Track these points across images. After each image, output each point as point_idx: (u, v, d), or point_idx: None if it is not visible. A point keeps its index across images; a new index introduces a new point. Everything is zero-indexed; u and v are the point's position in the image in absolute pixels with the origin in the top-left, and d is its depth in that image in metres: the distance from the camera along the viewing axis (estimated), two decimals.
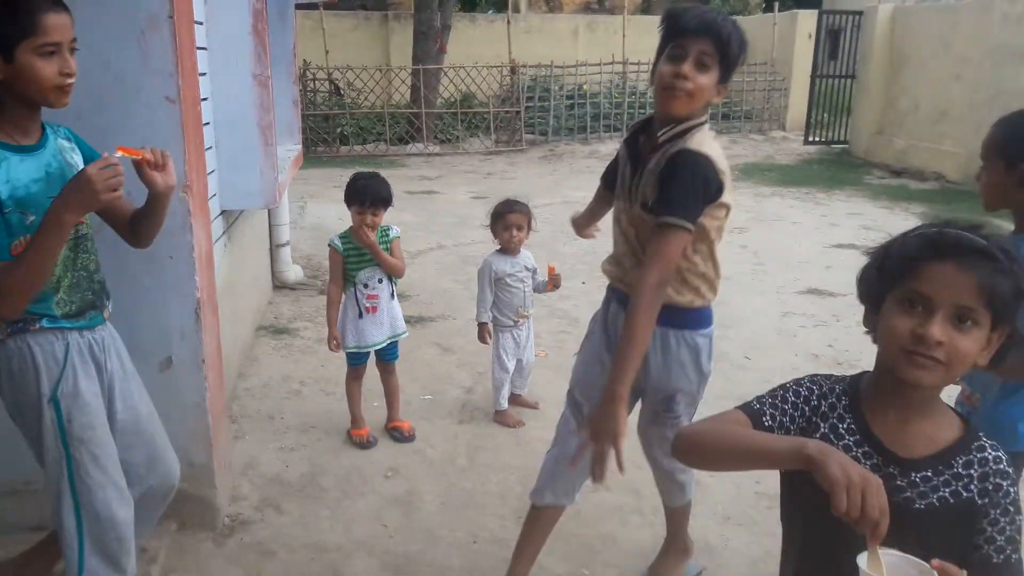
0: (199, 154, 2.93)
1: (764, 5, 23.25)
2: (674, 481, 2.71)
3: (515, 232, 3.86)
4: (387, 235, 3.65)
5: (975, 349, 1.26)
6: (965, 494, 1.30)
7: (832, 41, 15.67)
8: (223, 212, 4.16)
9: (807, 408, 1.42)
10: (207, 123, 3.52)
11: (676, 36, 2.12)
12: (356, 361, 3.78)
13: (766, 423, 1.42)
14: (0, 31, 1.87)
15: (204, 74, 3.66)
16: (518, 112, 14.61)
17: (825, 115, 14.54)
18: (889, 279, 1.31)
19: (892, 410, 1.34)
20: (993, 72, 10.45)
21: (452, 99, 15.23)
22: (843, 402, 1.40)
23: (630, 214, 2.32)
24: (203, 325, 2.87)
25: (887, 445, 1.33)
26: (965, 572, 1.18)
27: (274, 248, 6.00)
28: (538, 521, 2.60)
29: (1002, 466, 1.32)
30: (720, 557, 2.97)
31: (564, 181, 11.36)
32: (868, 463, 1.33)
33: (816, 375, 1.46)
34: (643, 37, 17.68)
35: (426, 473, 3.52)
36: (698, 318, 2.40)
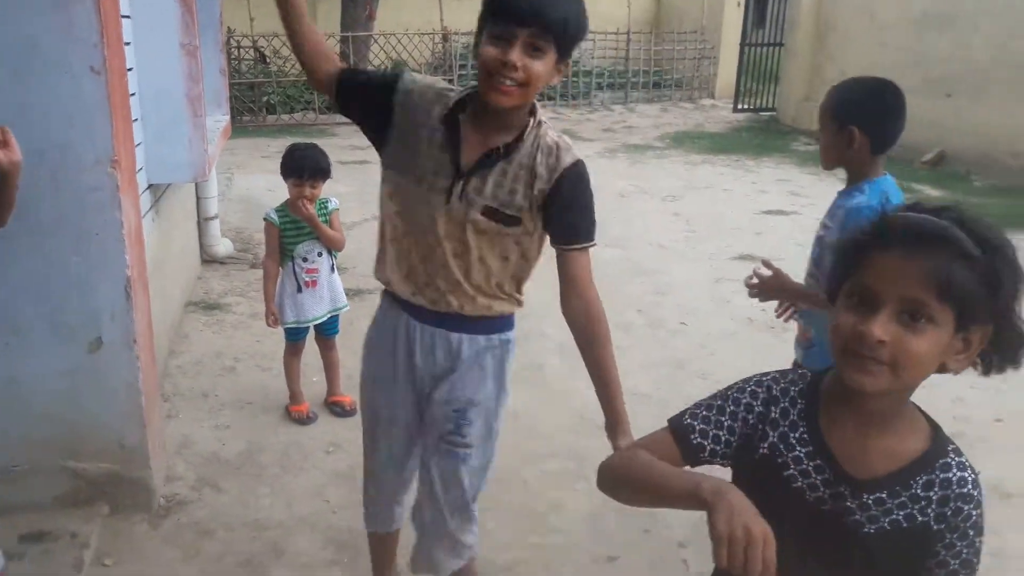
0: (126, 127, 2.83)
1: None
2: (456, 542, 2.24)
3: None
4: (326, 207, 3.58)
5: (929, 349, 1.08)
6: (920, 518, 1.17)
7: (759, 9, 15.90)
8: (150, 186, 4.02)
9: (751, 416, 1.26)
10: (133, 94, 3.37)
11: (499, 14, 1.77)
12: (295, 336, 3.72)
13: (694, 441, 1.27)
14: None
15: (129, 44, 3.52)
16: (451, 80, 14.44)
17: (753, 83, 14.77)
18: (841, 271, 1.17)
19: (851, 421, 1.19)
20: (916, 39, 10.75)
21: (382, 67, 14.95)
22: (798, 407, 1.24)
23: (461, 218, 1.92)
24: (134, 304, 2.79)
25: (841, 462, 1.19)
26: None
27: (202, 222, 5.83)
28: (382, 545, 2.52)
29: (966, 489, 1.17)
30: (663, 520, 3.04)
31: None
32: (819, 478, 1.21)
33: (768, 375, 1.30)
34: None
35: None
36: (506, 322, 2.12)
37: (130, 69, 3.45)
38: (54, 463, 2.85)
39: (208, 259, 5.87)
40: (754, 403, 1.26)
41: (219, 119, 5.63)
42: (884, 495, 1.17)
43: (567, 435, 3.61)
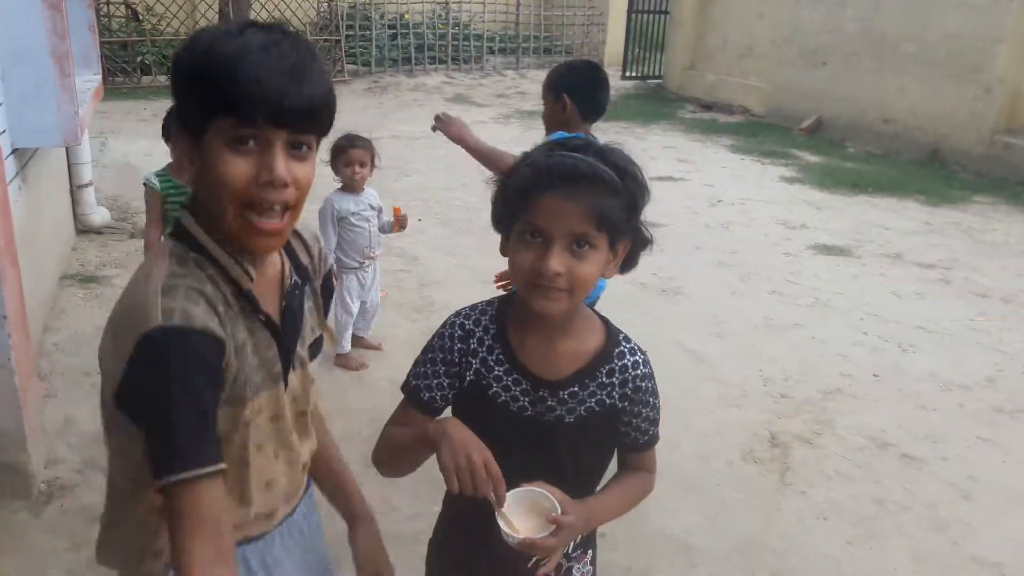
0: None
1: None
2: None
3: (358, 168, 3.72)
4: None
5: (594, 270, 1.28)
6: (609, 401, 1.38)
7: None
8: (15, 150, 3.73)
9: (454, 354, 1.40)
10: None
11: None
12: None
13: (425, 397, 1.41)
14: None
15: None
16: (338, 41, 14.01)
17: (641, 51, 14.98)
18: (511, 211, 1.30)
19: (535, 336, 1.36)
20: (792, 11, 11.13)
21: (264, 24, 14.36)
22: (491, 333, 1.39)
23: None
24: (3, 278, 2.59)
25: (534, 371, 1.36)
26: (565, 510, 1.27)
27: (75, 189, 5.48)
28: None
29: (640, 370, 1.39)
30: None
31: (391, 114, 11.08)
32: (518, 389, 1.37)
33: (459, 313, 1.43)
34: None
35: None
36: None
37: None
38: None
39: (83, 229, 5.53)
40: (454, 344, 1.40)
41: (89, 79, 5.28)
42: (576, 389, 1.36)
43: None
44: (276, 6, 14.11)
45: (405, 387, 1.44)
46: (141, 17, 13.49)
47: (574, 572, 1.52)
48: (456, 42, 15.17)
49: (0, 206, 2.62)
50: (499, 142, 3.42)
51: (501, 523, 1.24)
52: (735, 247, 6.08)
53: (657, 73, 14.76)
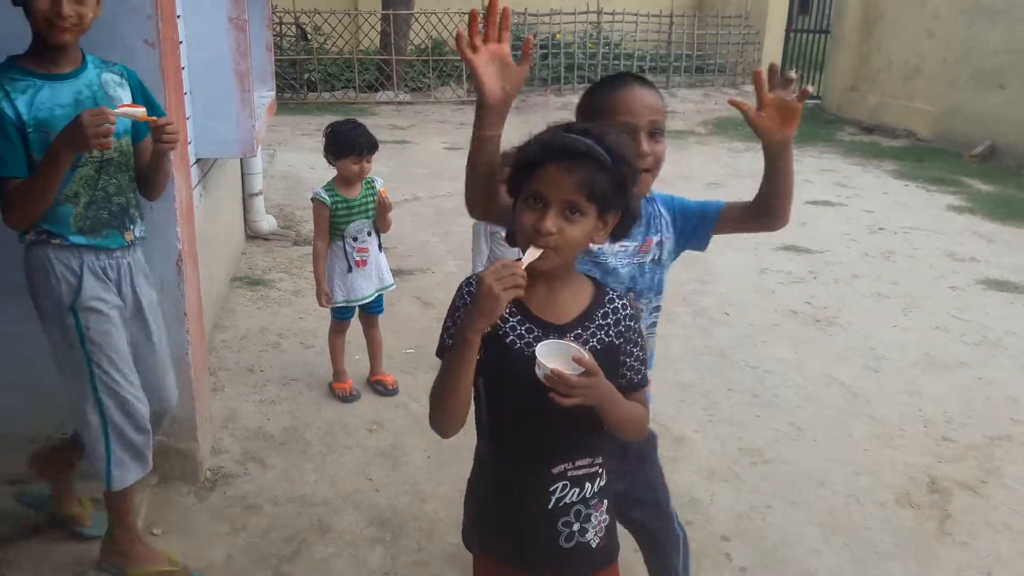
0: (179, 100, 2.83)
1: None
2: None
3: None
4: (373, 186, 3.58)
5: (582, 234, 1.51)
6: (607, 339, 1.59)
7: None
8: (198, 160, 4.03)
9: None
10: (183, 68, 3.38)
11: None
12: (343, 315, 3.73)
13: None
14: None
15: (179, 16, 3.51)
16: None
17: (797, 70, 14.49)
18: (520, 179, 1.53)
19: (540, 286, 1.56)
20: (965, 29, 10.48)
21: (423, 46, 14.91)
22: None
23: None
24: (185, 278, 2.80)
25: (542, 316, 1.58)
26: (595, 364, 1.45)
27: (247, 198, 5.86)
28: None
29: (628, 311, 1.63)
30: (705, 512, 3.01)
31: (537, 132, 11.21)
32: (530, 336, 1.56)
33: (471, 276, 1.64)
34: None
35: (410, 427, 3.51)
36: None
37: (180, 42, 3.45)
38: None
39: (252, 235, 5.91)
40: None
41: (264, 95, 5.65)
42: (579, 331, 1.58)
43: None
44: (434, 27, 14.62)
45: (439, 350, 1.61)
46: (309, 37, 14.32)
47: (592, 519, 1.67)
48: (606, 61, 15.19)
49: (185, 212, 2.84)
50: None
51: (537, 356, 1.44)
52: (896, 278, 5.75)
53: (815, 93, 14.25)
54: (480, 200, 1.78)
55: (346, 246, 3.57)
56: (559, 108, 13.65)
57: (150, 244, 2.70)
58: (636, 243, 1.97)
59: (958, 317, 5.07)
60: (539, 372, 1.44)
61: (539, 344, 1.49)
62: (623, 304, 1.64)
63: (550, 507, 1.61)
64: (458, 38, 1.66)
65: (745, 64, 16.35)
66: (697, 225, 2.08)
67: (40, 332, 2.39)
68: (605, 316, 1.61)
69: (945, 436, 3.67)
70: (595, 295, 1.63)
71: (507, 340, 1.57)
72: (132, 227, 2.40)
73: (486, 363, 1.57)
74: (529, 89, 14.70)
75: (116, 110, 2.15)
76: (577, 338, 1.57)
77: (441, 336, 1.63)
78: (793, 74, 1.86)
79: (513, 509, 1.65)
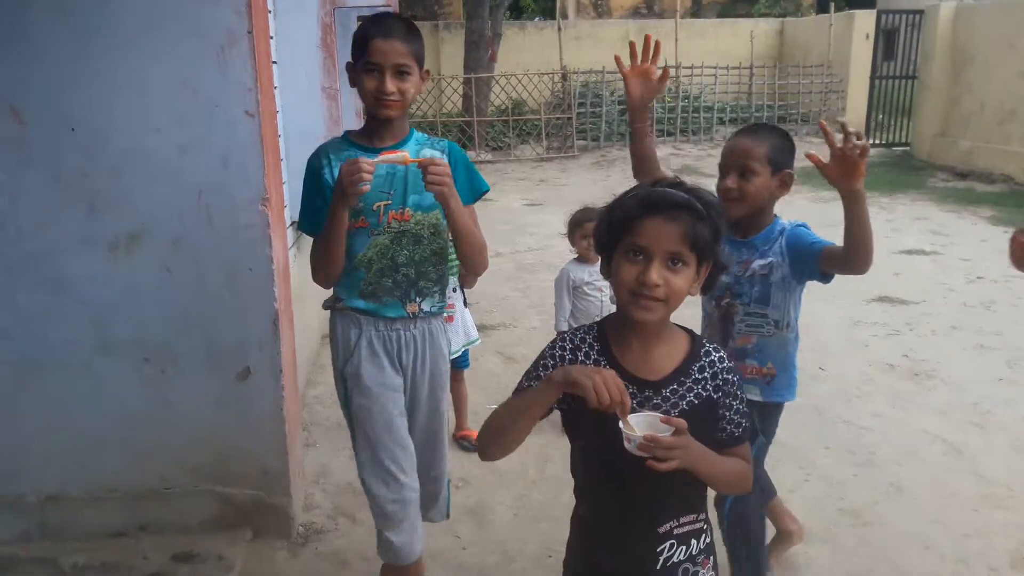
0: (276, 167, 2.97)
1: (817, 6, 22.89)
2: None
3: (592, 240, 3.82)
4: None
5: (686, 285, 1.53)
6: (704, 394, 1.58)
7: (888, 41, 15.34)
8: (293, 223, 4.19)
9: (564, 363, 1.60)
10: (279, 135, 3.55)
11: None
12: None
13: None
14: (352, 54, 2.28)
15: (276, 87, 3.71)
16: (569, 118, 14.56)
17: (884, 117, 14.21)
18: (615, 235, 1.55)
19: (634, 342, 1.58)
20: None
21: (503, 107, 15.25)
22: (595, 347, 1.61)
23: None
24: (280, 336, 2.90)
25: (636, 373, 1.56)
26: (683, 421, 1.45)
27: None
28: None
29: (725, 364, 1.61)
30: None
31: (617, 187, 10.93)
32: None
33: (563, 334, 1.67)
34: (693, 40, 17.57)
35: (496, 484, 3.50)
36: None
37: (277, 112, 3.63)
38: (203, 487, 2.98)
39: None
40: (564, 354, 1.62)
41: None
42: (676, 386, 1.57)
43: None
44: (514, 87, 14.94)
45: (517, 388, 1.63)
46: None
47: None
48: (685, 114, 15.21)
49: (282, 273, 2.95)
50: None
51: (624, 429, 1.43)
52: (999, 328, 5.49)
53: (903, 140, 13.91)
54: (639, 166, 2.45)
55: None
56: None
57: (247, 303, 2.82)
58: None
59: None
60: (629, 446, 1.44)
61: (620, 423, 1.45)
62: (720, 356, 1.61)
63: (659, 567, 1.60)
64: (617, 60, 2.39)
65: (829, 113, 16.11)
66: (807, 259, 2.35)
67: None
68: (702, 370, 1.59)
69: None
70: (691, 348, 1.61)
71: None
72: (419, 300, 2.40)
73: (582, 428, 1.58)
74: (608, 144, 14.82)
75: (376, 158, 2.17)
76: (673, 393, 1.56)
77: (522, 378, 1.64)
78: (842, 121, 1.95)
79: (621, 571, 1.64)
